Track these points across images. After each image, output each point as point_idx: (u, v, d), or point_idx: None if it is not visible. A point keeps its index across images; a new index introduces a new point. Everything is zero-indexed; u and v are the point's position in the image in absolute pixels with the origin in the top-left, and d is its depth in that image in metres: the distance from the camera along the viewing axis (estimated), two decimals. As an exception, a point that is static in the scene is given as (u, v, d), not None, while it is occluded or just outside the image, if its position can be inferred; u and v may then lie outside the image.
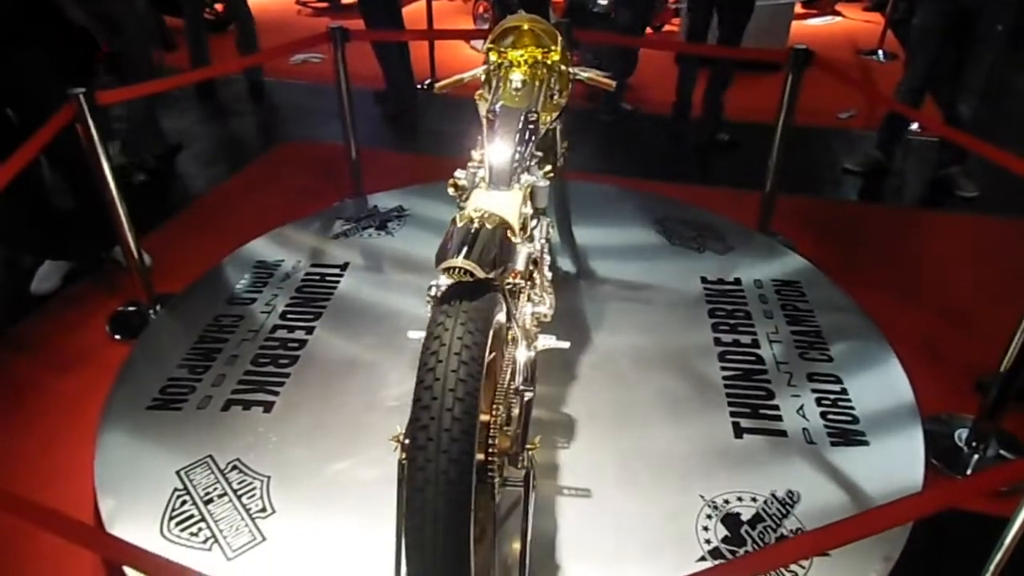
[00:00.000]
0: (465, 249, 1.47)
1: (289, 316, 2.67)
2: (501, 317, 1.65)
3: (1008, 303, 2.18)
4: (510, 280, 1.80)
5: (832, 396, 2.27)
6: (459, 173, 1.93)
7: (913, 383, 2.33)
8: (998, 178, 3.03)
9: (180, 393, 2.32)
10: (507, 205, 1.81)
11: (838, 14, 7.25)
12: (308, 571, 1.79)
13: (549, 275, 2.39)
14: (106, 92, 2.57)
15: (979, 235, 3.50)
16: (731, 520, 1.88)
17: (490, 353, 1.66)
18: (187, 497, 1.96)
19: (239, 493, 1.97)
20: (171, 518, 1.91)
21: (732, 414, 2.21)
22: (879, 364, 2.44)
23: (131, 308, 2.88)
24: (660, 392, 2.30)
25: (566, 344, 2.04)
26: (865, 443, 2.10)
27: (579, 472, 2.02)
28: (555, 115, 2.37)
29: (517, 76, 2.23)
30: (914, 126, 4.30)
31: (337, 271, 2.94)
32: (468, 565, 1.34)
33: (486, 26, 6.25)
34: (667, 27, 6.71)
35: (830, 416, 2.20)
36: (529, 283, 2.10)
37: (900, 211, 3.85)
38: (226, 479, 2.01)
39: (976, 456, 2.24)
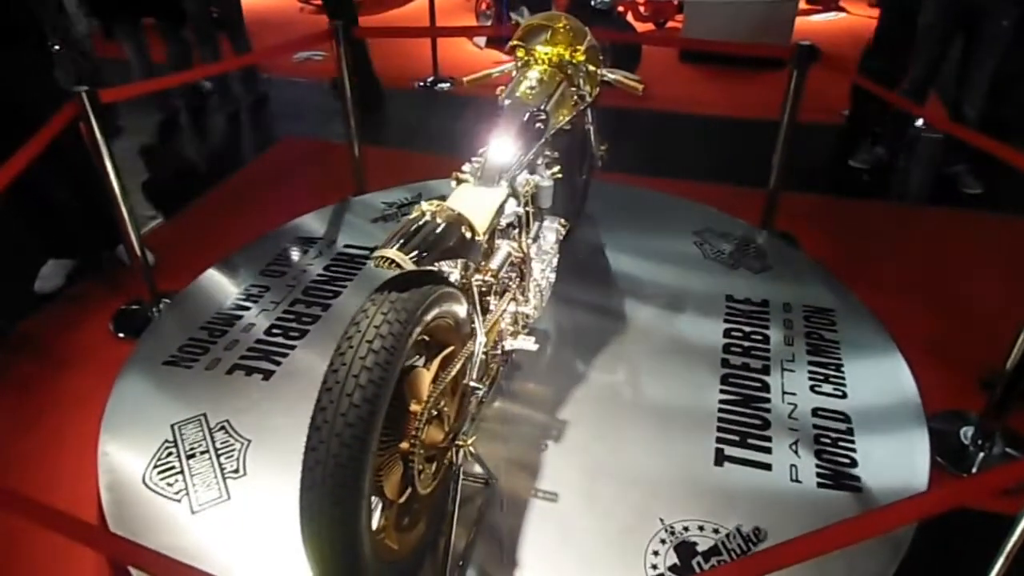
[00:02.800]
0: (400, 241, 1.49)
1: (311, 292, 2.78)
2: (460, 311, 1.66)
3: (1013, 300, 2.18)
4: (480, 277, 1.81)
5: (834, 435, 2.13)
6: (466, 167, 1.95)
7: (918, 380, 2.32)
8: (1004, 175, 3.02)
9: (195, 353, 2.47)
10: (485, 202, 1.82)
11: (842, 10, 7.22)
12: (260, 533, 1.85)
13: (552, 277, 2.38)
14: (108, 90, 2.56)
15: (984, 232, 3.48)
16: (685, 549, 1.80)
17: (446, 346, 1.68)
18: (173, 449, 2.10)
19: (219, 452, 2.09)
20: (155, 467, 2.05)
21: (718, 440, 2.11)
22: (883, 361, 2.42)
23: (134, 306, 2.89)
24: (649, 407, 2.24)
25: (534, 346, 2.04)
26: (857, 489, 1.96)
27: (549, 475, 2.01)
28: (574, 114, 2.34)
29: (534, 74, 2.23)
30: (919, 123, 4.28)
31: (367, 252, 2.99)
32: (357, 545, 1.36)
33: (489, 23, 6.24)
34: (670, 23, 6.69)
35: (826, 456, 2.06)
36: (516, 282, 2.10)
37: (905, 208, 3.83)
38: (212, 438, 2.14)
39: (982, 454, 2.23)
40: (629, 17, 6.42)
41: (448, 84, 5.41)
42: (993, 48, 3.49)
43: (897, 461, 2.06)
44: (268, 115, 5.11)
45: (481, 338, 1.77)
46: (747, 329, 2.56)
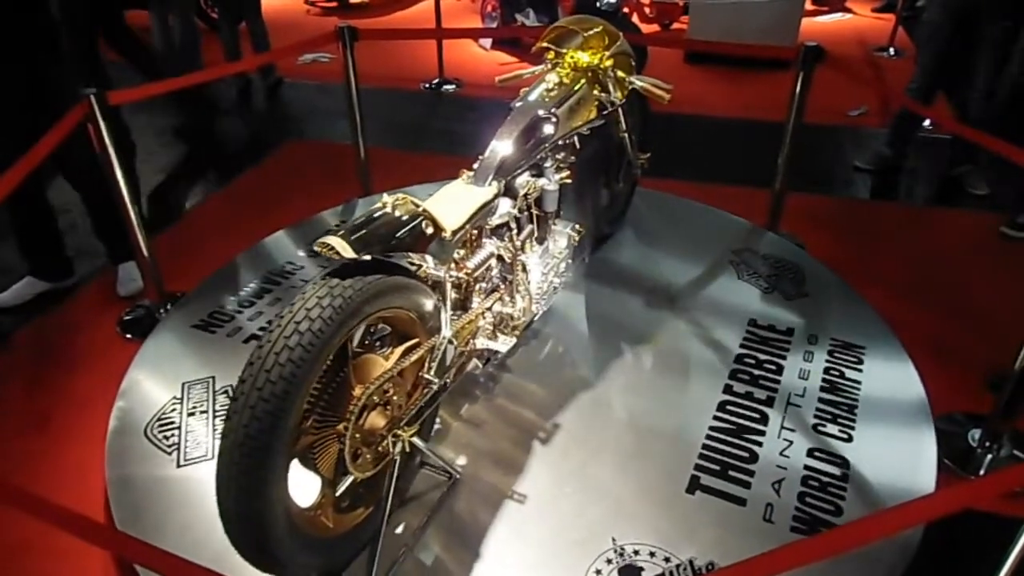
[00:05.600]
0: (348, 229, 1.51)
1: None
2: (425, 305, 1.69)
3: (1021, 301, 2.16)
4: (455, 273, 1.83)
5: (824, 479, 1.99)
6: (476, 165, 1.97)
7: (925, 382, 2.31)
8: (1010, 176, 3.01)
9: (221, 319, 2.64)
10: (465, 200, 1.84)
11: (848, 11, 7.21)
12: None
13: (557, 282, 2.37)
14: (117, 92, 2.58)
15: (991, 233, 3.47)
16: (629, 572, 1.75)
17: (410, 337, 1.72)
18: (178, 406, 2.25)
19: (217, 413, 2.21)
20: (158, 420, 2.20)
21: (697, 466, 2.03)
22: (890, 363, 2.41)
23: (141, 308, 2.90)
24: (637, 422, 2.19)
25: (503, 348, 2.05)
26: None
27: (521, 475, 2.02)
28: (595, 120, 2.33)
29: (553, 77, 2.24)
30: (926, 123, 4.27)
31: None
32: (266, 516, 1.40)
33: (494, 25, 6.24)
34: (676, 25, 6.69)
35: (809, 499, 1.94)
36: (505, 282, 2.12)
37: (911, 209, 3.82)
38: (215, 400, 2.25)
39: (989, 456, 2.22)
40: (635, 18, 6.42)
41: (454, 85, 5.42)
42: (996, 48, 3.47)
43: (904, 463, 2.05)
44: (274, 116, 5.13)
45: (446, 333, 1.78)
46: (762, 357, 2.44)
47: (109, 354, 2.69)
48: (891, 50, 5.98)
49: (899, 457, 2.07)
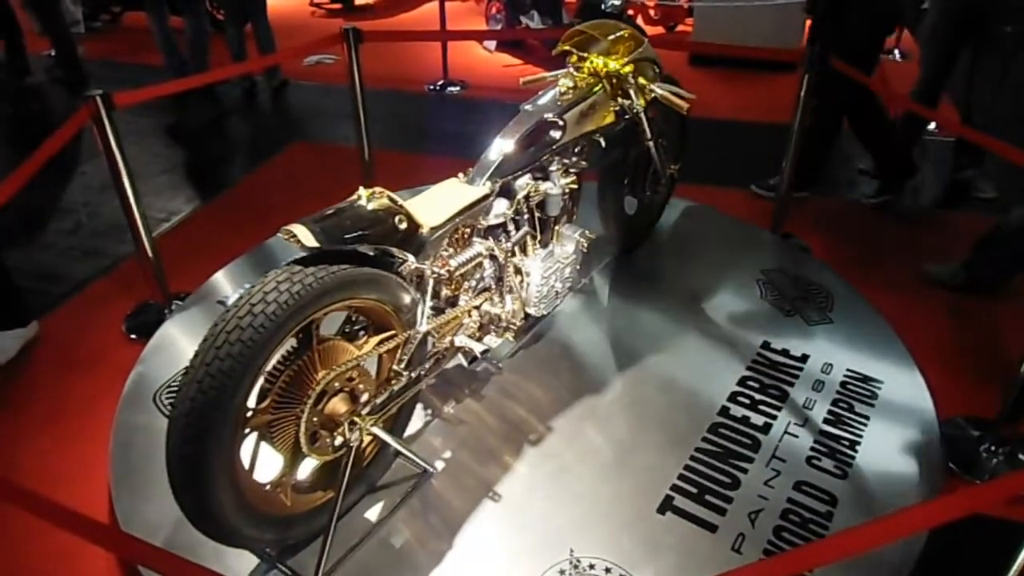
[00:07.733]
0: (315, 218, 1.53)
1: None
2: (401, 298, 1.71)
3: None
4: (436, 269, 1.86)
5: (807, 515, 1.90)
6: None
7: (931, 386, 2.31)
8: (1017, 178, 3.00)
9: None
10: (450, 199, 1.87)
11: (853, 13, 7.18)
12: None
13: (559, 286, 2.36)
14: (123, 93, 2.58)
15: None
16: None
17: (387, 329, 1.74)
18: None
19: None
20: (168, 387, 2.31)
21: (673, 487, 1.97)
22: (896, 367, 2.40)
23: (146, 308, 2.90)
24: (622, 433, 2.16)
25: (479, 348, 2.05)
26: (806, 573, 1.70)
27: (500, 473, 2.02)
28: (609, 127, 2.32)
29: (567, 81, 2.23)
30: (931, 126, 4.25)
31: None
32: (208, 486, 1.43)
33: (499, 27, 6.25)
34: (681, 27, 6.68)
35: (785, 534, 1.85)
36: (498, 283, 2.13)
37: (916, 212, 3.81)
38: None
39: (995, 461, 2.21)
40: (639, 21, 6.42)
41: (458, 87, 5.42)
42: (997, 54, 3.45)
43: (909, 466, 2.04)
44: (279, 118, 5.14)
45: (422, 327, 1.79)
46: (766, 381, 2.36)
47: (114, 354, 2.69)
48: (896, 53, 5.97)
49: (903, 459, 2.06)
